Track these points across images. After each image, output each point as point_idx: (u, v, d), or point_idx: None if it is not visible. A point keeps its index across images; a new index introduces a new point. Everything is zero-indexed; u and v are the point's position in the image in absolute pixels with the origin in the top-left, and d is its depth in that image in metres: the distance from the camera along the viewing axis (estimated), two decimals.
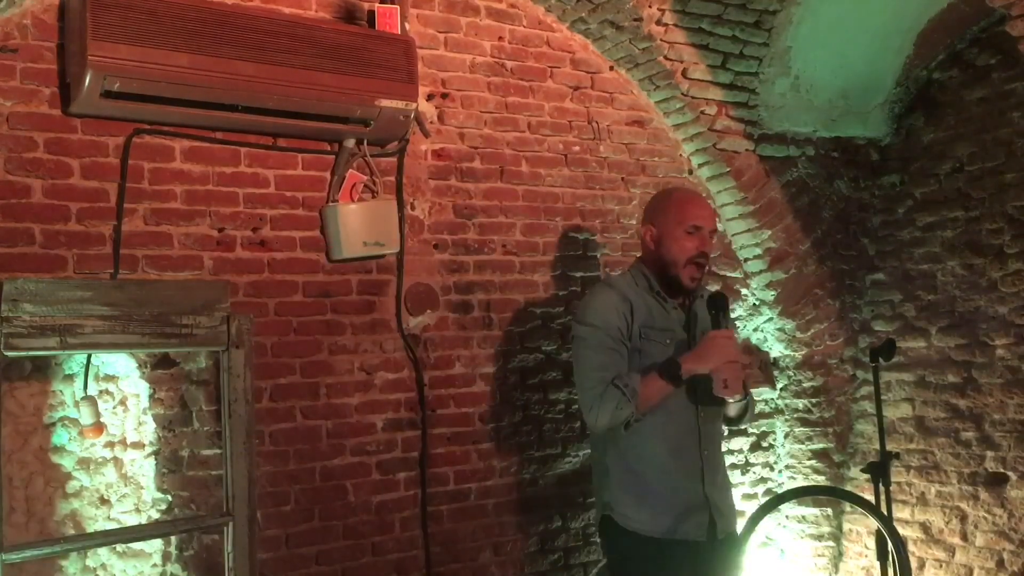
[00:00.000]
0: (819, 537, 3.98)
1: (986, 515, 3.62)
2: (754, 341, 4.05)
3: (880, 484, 2.41)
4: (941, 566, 3.75)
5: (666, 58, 3.53)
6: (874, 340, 2.64)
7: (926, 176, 3.94)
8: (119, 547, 2.68)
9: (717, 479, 2.65)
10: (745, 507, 3.90)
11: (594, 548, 3.53)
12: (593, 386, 2.56)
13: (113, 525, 2.70)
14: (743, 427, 2.87)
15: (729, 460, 3.92)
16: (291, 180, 2.97)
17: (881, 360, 2.56)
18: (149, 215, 2.73)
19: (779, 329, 4.02)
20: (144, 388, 2.77)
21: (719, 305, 2.61)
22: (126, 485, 2.74)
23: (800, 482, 4.02)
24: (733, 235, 3.94)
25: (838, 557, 3.99)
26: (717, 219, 2.79)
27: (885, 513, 2.35)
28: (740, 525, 2.64)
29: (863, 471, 2.48)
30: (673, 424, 2.60)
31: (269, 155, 2.93)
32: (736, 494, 3.90)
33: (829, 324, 3.98)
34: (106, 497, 2.71)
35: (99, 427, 2.67)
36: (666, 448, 2.59)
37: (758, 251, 3.91)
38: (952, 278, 3.81)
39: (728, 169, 3.78)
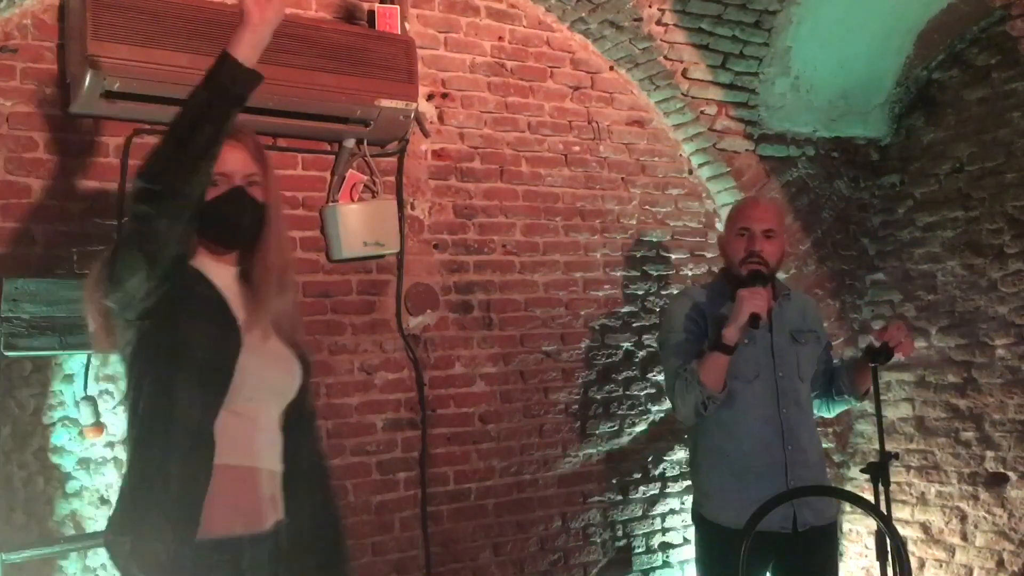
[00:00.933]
0: None
1: (986, 515, 3.62)
2: None
3: (880, 484, 2.41)
4: (941, 566, 3.75)
5: (666, 58, 3.53)
6: (872, 342, 2.66)
7: (926, 176, 3.94)
8: None
9: (803, 473, 2.65)
10: None
11: (594, 548, 3.53)
12: (671, 384, 2.70)
13: None
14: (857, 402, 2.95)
15: None
16: (291, 180, 2.97)
17: (880, 363, 2.56)
18: None
19: None
20: None
21: (757, 279, 2.65)
22: None
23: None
24: None
25: (838, 557, 3.98)
26: (778, 218, 2.79)
27: (885, 513, 2.35)
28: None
29: (863, 471, 2.49)
30: (754, 419, 2.67)
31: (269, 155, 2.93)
32: None
33: (829, 324, 3.98)
34: (106, 497, 2.71)
35: (99, 427, 2.67)
36: (747, 442, 2.66)
37: None
38: (952, 278, 3.81)
39: (728, 169, 3.78)
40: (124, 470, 1.87)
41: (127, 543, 1.68)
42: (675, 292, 3.19)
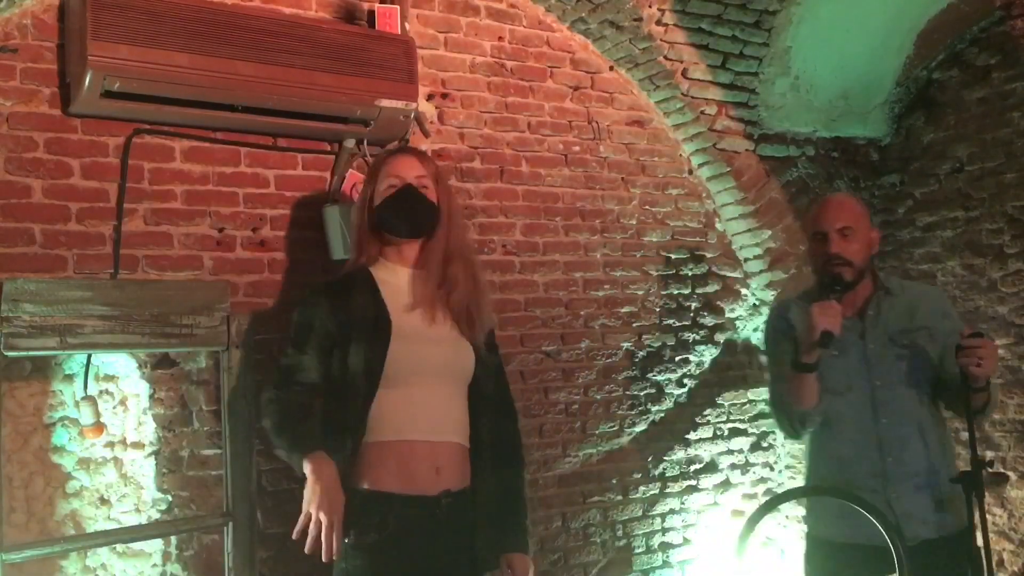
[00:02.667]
0: None
1: (986, 515, 3.62)
2: (754, 341, 4.06)
3: (973, 496, 2.27)
4: None
5: (666, 58, 3.53)
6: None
7: (926, 176, 3.94)
8: (119, 547, 2.68)
9: (908, 483, 2.49)
10: (745, 507, 3.91)
11: (594, 548, 3.53)
12: (771, 407, 2.68)
13: (113, 525, 2.70)
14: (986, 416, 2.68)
15: (729, 460, 3.93)
16: (291, 180, 2.97)
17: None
18: (149, 215, 2.73)
19: None
20: (144, 388, 2.76)
21: (833, 287, 2.52)
22: (126, 485, 2.73)
23: (800, 482, 4.02)
24: (733, 235, 3.95)
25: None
26: (854, 213, 2.57)
27: (979, 525, 2.28)
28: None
29: (953, 481, 2.35)
30: (849, 432, 2.55)
31: (269, 155, 2.93)
32: (736, 494, 3.93)
33: None
34: (106, 497, 2.71)
35: (99, 427, 2.67)
36: (842, 453, 2.56)
37: (758, 251, 3.92)
38: (952, 278, 3.81)
39: (728, 169, 3.78)
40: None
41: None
42: (769, 312, 2.98)
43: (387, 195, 2.24)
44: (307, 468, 2.02)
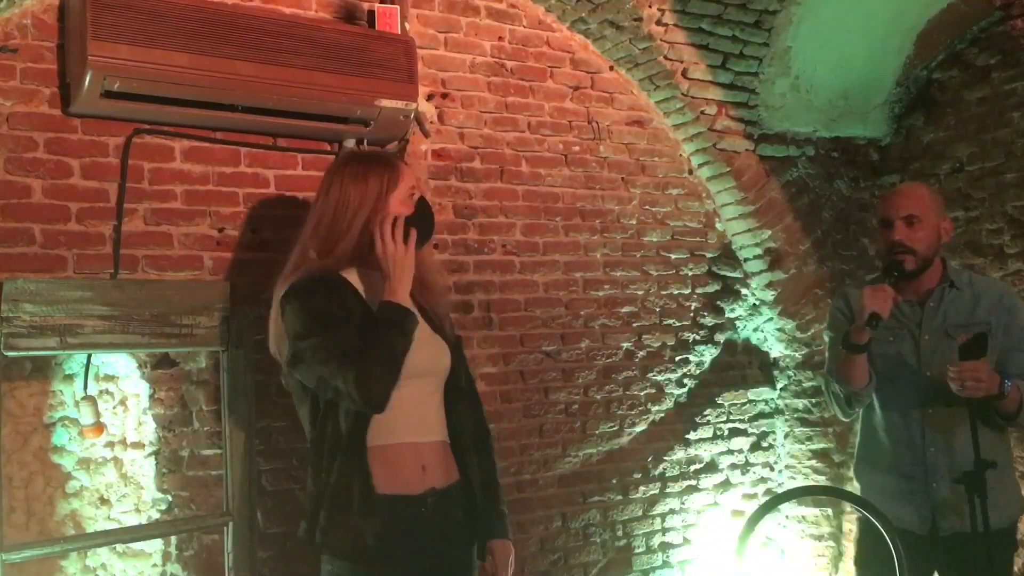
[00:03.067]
0: (819, 537, 3.98)
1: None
2: (754, 341, 4.06)
3: (975, 497, 2.28)
4: None
5: (666, 58, 3.53)
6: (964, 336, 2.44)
7: (926, 176, 3.94)
8: (119, 547, 2.67)
9: (945, 476, 2.50)
10: (745, 507, 3.91)
11: (594, 548, 3.53)
12: (823, 383, 2.74)
13: (113, 525, 2.70)
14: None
15: (729, 460, 3.93)
16: (291, 180, 2.97)
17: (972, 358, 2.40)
18: (149, 215, 2.73)
19: (779, 329, 4.02)
20: (144, 388, 2.76)
21: (891, 272, 2.54)
22: (126, 485, 2.73)
23: (800, 482, 4.02)
24: (733, 235, 3.95)
25: (838, 557, 3.99)
26: (921, 202, 2.60)
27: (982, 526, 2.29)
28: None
29: (956, 481, 2.36)
30: (895, 417, 2.62)
31: (269, 155, 2.93)
32: (736, 494, 3.93)
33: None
34: (106, 497, 2.71)
35: (99, 427, 2.67)
36: (889, 440, 2.63)
37: (758, 251, 3.92)
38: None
39: (728, 169, 3.78)
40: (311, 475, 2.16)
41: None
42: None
43: (413, 206, 2.21)
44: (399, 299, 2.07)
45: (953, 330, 2.54)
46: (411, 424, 2.12)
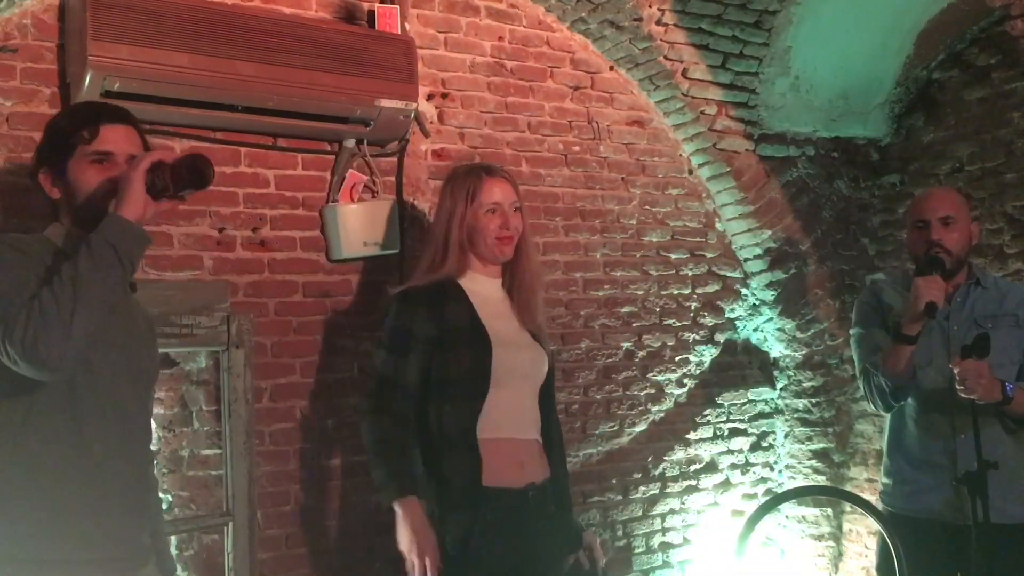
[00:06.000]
0: (819, 537, 3.98)
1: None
2: (754, 341, 4.06)
3: (977, 498, 2.30)
4: None
5: (666, 58, 3.53)
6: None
7: (926, 176, 3.94)
8: None
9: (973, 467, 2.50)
10: (745, 507, 3.91)
11: None
12: (859, 378, 2.74)
13: None
14: None
15: (729, 460, 3.93)
16: (291, 180, 2.97)
17: (975, 357, 2.41)
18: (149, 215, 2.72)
19: (779, 329, 4.02)
20: None
21: (935, 266, 2.56)
22: None
23: (800, 482, 4.02)
24: (733, 235, 3.95)
25: (838, 557, 3.99)
26: (956, 205, 2.67)
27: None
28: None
29: (959, 482, 2.40)
30: (926, 406, 2.63)
31: (269, 155, 2.93)
32: (736, 494, 3.93)
33: (829, 324, 3.98)
34: None
35: None
36: (918, 429, 2.64)
37: (758, 251, 3.92)
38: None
39: (728, 169, 3.78)
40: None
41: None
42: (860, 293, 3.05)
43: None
44: (397, 510, 2.23)
45: (982, 319, 2.61)
46: (513, 422, 2.32)
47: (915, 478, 2.63)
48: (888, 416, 2.79)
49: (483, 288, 2.41)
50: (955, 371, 2.41)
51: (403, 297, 2.37)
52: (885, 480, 2.78)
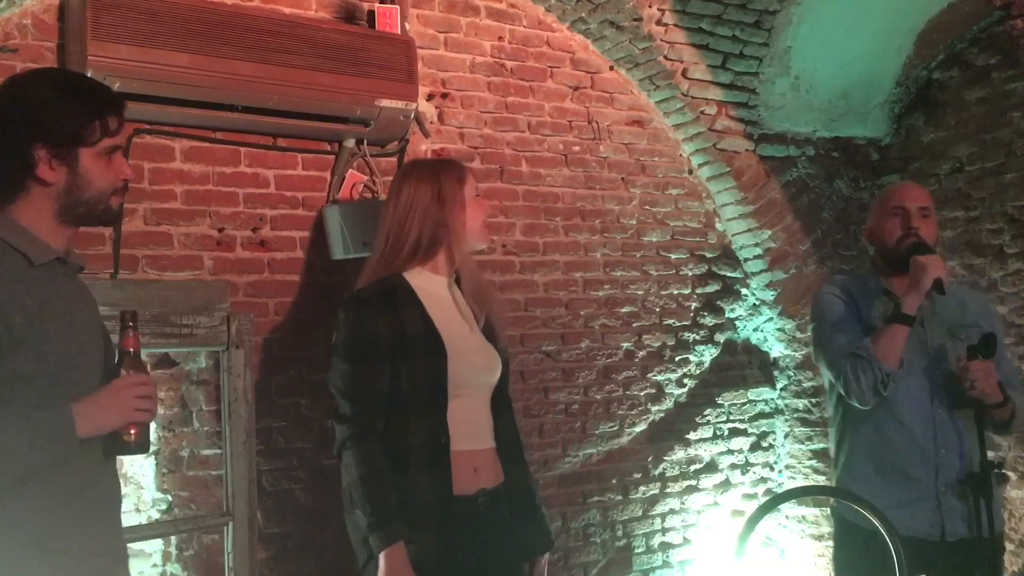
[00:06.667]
0: (819, 537, 3.98)
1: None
2: (754, 341, 4.06)
3: (980, 498, 2.25)
4: None
5: (666, 58, 3.53)
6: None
7: (926, 176, 3.94)
8: None
9: (954, 479, 2.44)
10: (745, 507, 3.91)
11: (594, 548, 3.53)
12: (842, 366, 2.47)
13: None
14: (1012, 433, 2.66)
15: (729, 460, 3.93)
16: (291, 180, 2.97)
17: (980, 357, 2.36)
18: (149, 215, 2.73)
19: (779, 329, 4.02)
20: None
21: (923, 250, 2.47)
22: (126, 485, 2.73)
23: (800, 482, 4.02)
24: (733, 235, 3.95)
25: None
26: (930, 200, 2.59)
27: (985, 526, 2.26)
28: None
29: (960, 482, 2.35)
30: (906, 416, 2.48)
31: (269, 155, 2.94)
32: (736, 494, 3.93)
33: None
34: None
35: None
36: (897, 439, 2.49)
37: (758, 251, 3.92)
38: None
39: (728, 169, 3.78)
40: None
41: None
42: (820, 287, 2.86)
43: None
44: (382, 559, 2.02)
45: (956, 329, 2.52)
46: (467, 433, 2.18)
47: (888, 491, 2.46)
48: (837, 425, 2.63)
49: (435, 287, 2.23)
50: (967, 372, 2.33)
51: (357, 302, 2.17)
52: (848, 489, 2.55)
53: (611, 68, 3.68)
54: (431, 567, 2.08)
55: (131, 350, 1.66)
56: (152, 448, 2.76)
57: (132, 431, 1.64)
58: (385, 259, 2.23)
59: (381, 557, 2.01)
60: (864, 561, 2.44)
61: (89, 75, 2.44)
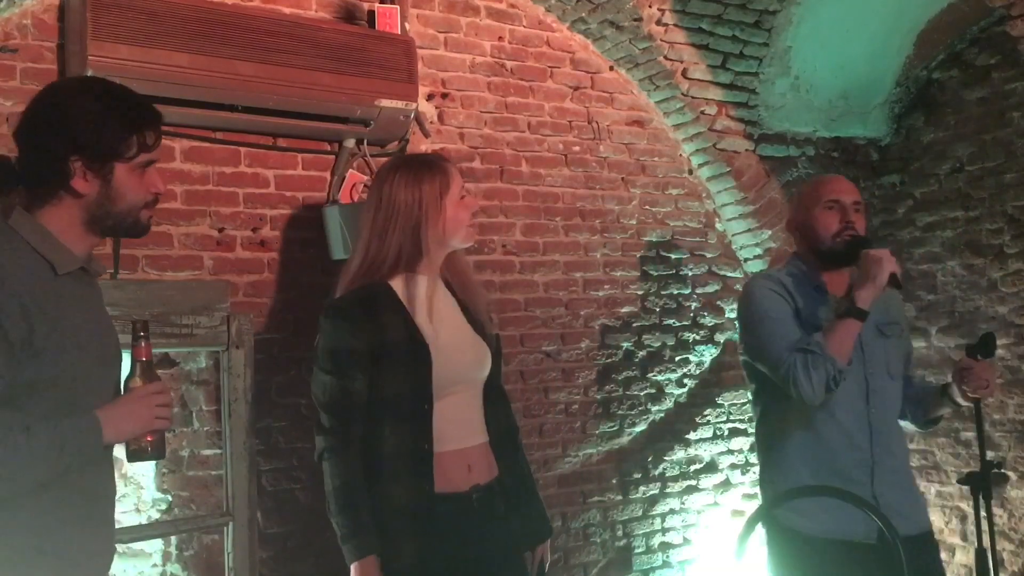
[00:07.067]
0: None
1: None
2: None
3: (980, 498, 2.20)
4: None
5: (666, 58, 3.53)
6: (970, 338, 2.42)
7: (926, 176, 3.94)
8: (119, 547, 2.66)
9: (891, 478, 2.42)
10: (745, 507, 3.91)
11: (594, 548, 3.53)
12: (791, 362, 2.34)
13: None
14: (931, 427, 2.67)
15: (729, 460, 3.93)
16: (291, 180, 2.97)
17: (979, 357, 2.32)
18: None
19: None
20: None
21: (863, 245, 2.42)
22: (126, 485, 2.73)
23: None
24: (733, 235, 3.95)
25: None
26: (859, 193, 2.51)
27: (985, 528, 2.24)
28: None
29: (961, 482, 2.30)
30: (841, 416, 2.42)
31: (269, 155, 2.94)
32: (736, 494, 3.92)
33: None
34: None
35: None
36: (833, 440, 2.42)
37: (758, 251, 3.92)
38: (952, 278, 3.81)
39: (728, 169, 3.78)
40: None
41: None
42: (749, 280, 2.76)
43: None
44: (352, 570, 2.03)
45: (885, 327, 2.48)
46: (458, 432, 2.15)
47: (826, 497, 2.30)
48: (767, 431, 2.57)
49: (419, 289, 2.16)
50: (969, 372, 2.31)
51: (335, 312, 2.14)
52: (781, 494, 2.44)
53: (611, 68, 3.68)
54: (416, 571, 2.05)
55: (144, 359, 1.71)
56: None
57: (149, 438, 1.69)
58: (366, 269, 2.16)
59: (352, 569, 2.03)
60: (804, 566, 2.42)
61: (89, 75, 2.45)
